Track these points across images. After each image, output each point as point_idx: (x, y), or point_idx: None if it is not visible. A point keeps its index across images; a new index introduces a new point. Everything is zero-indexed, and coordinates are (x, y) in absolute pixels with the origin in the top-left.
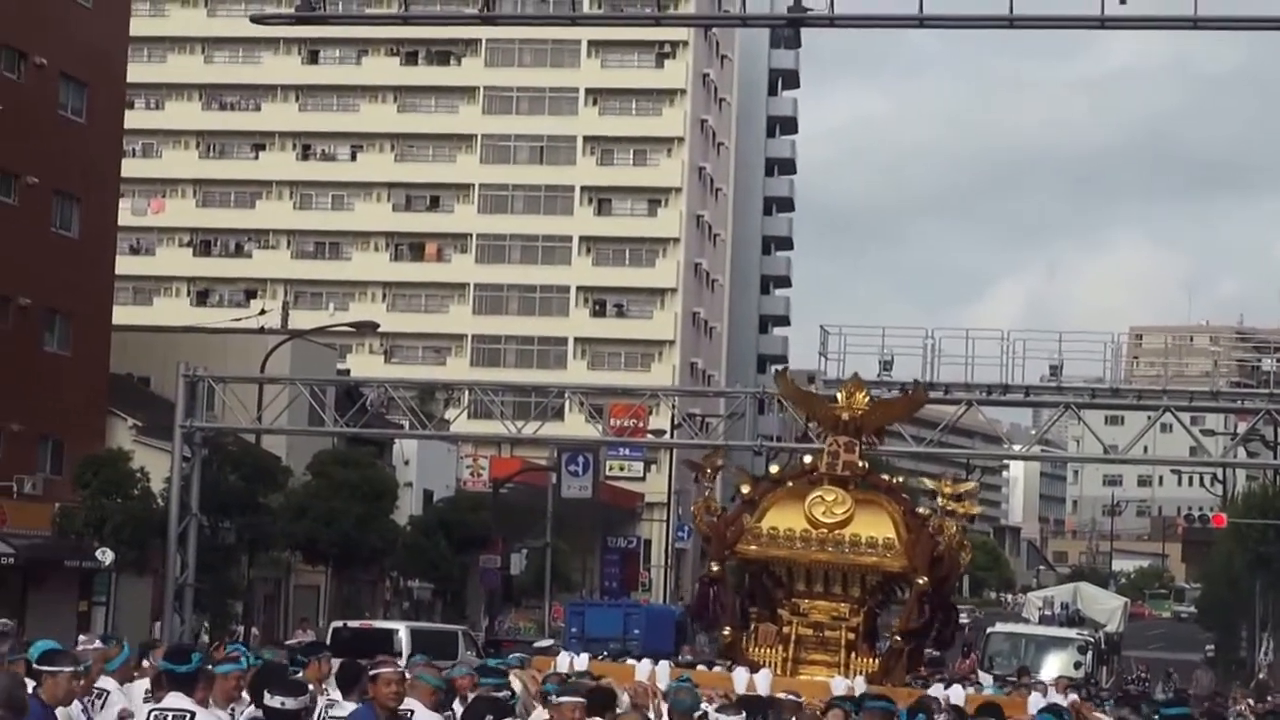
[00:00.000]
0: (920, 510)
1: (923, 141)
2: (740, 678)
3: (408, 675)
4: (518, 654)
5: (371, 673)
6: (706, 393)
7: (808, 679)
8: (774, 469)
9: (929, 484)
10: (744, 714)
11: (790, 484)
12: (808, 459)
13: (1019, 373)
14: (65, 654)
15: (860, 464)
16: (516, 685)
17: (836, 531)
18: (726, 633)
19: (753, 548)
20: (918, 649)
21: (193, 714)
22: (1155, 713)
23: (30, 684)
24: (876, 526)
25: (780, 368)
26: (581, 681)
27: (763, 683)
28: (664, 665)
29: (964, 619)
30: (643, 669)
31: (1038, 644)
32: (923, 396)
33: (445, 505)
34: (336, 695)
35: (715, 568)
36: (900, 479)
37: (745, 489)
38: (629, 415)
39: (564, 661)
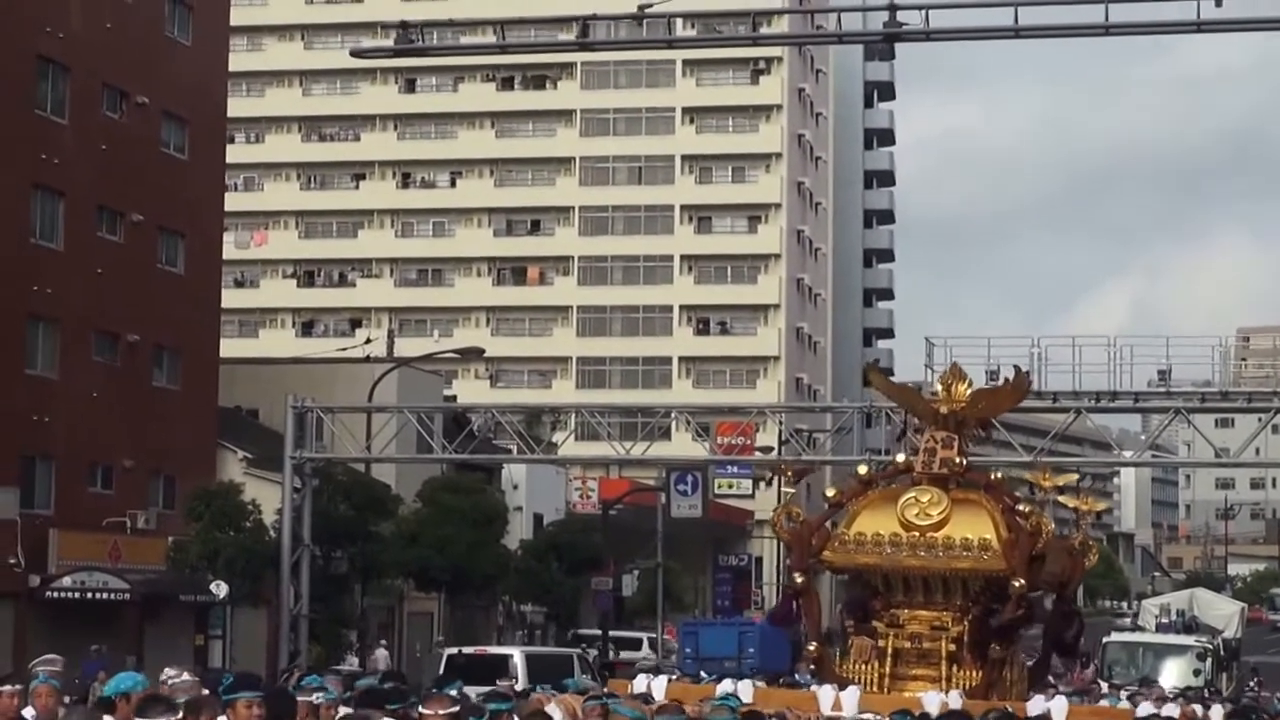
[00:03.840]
0: (1022, 507)
1: (1019, 148)
2: (826, 696)
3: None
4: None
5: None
6: (813, 408)
7: (911, 695)
8: (862, 470)
9: (1028, 477)
10: None
11: (886, 485)
12: (900, 457)
13: (1127, 378)
14: (163, 701)
15: (959, 461)
16: (555, 714)
17: (930, 534)
18: (812, 648)
19: (839, 555)
20: (1043, 660)
21: None
22: None
23: None
24: (974, 527)
25: (872, 362)
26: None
27: (849, 701)
28: (745, 684)
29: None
30: (722, 690)
31: (1156, 652)
32: (1025, 383)
33: (556, 528)
34: None
35: (799, 578)
36: (1000, 474)
37: (830, 493)
38: (736, 433)
39: (641, 684)
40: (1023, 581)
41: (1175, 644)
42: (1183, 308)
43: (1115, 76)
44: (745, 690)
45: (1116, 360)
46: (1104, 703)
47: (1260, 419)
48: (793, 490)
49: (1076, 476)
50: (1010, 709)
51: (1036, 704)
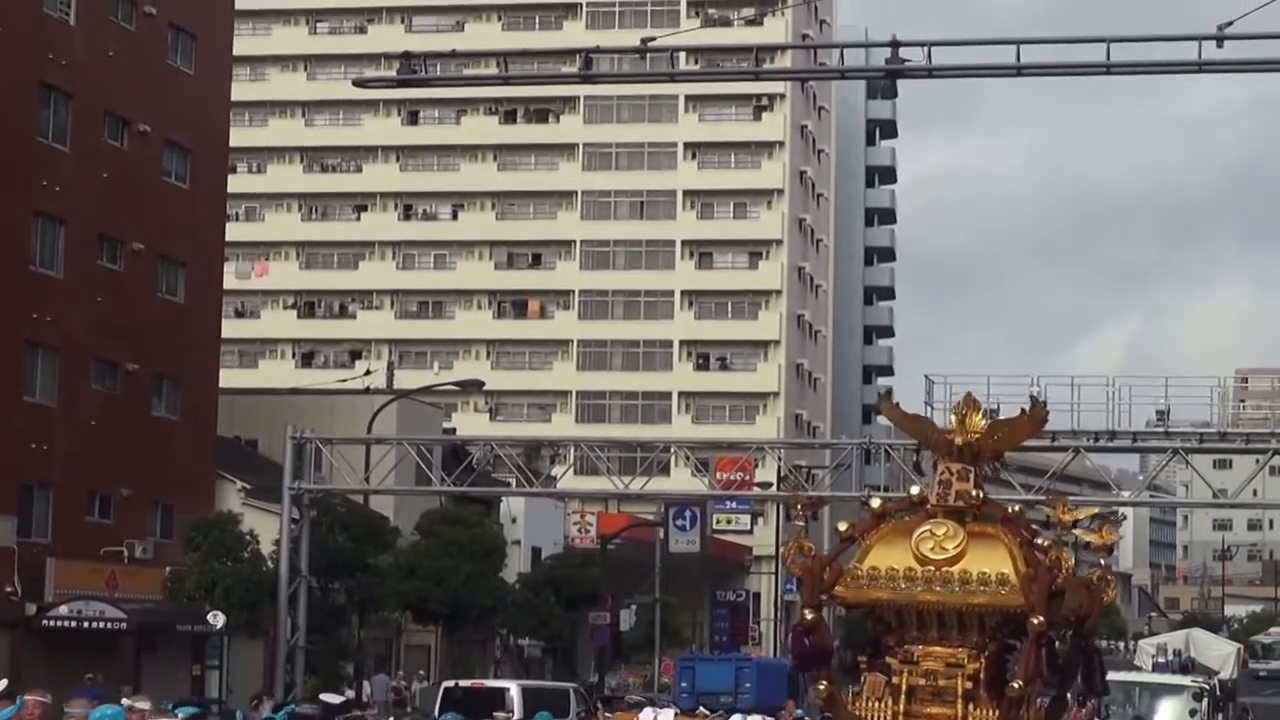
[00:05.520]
0: (1040, 541)
1: (1020, 187)
2: None
3: None
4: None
5: None
6: (812, 444)
7: None
8: (875, 503)
9: (1046, 511)
10: None
11: (901, 518)
12: (914, 489)
13: (1125, 418)
14: None
15: (975, 493)
16: None
17: (945, 569)
18: (822, 686)
19: (851, 591)
20: (1059, 699)
21: None
22: None
23: None
24: (990, 561)
25: (884, 391)
26: None
27: None
28: None
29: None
30: None
31: (1152, 692)
32: (1042, 413)
33: (554, 562)
34: None
35: (810, 614)
36: (1017, 507)
37: (843, 527)
38: (735, 468)
39: (648, 717)
40: (1042, 618)
41: (1171, 684)
42: (1181, 349)
43: (1115, 116)
44: None
45: (1115, 400)
46: None
47: (1258, 460)
48: (803, 524)
49: (1097, 509)
50: None
51: None
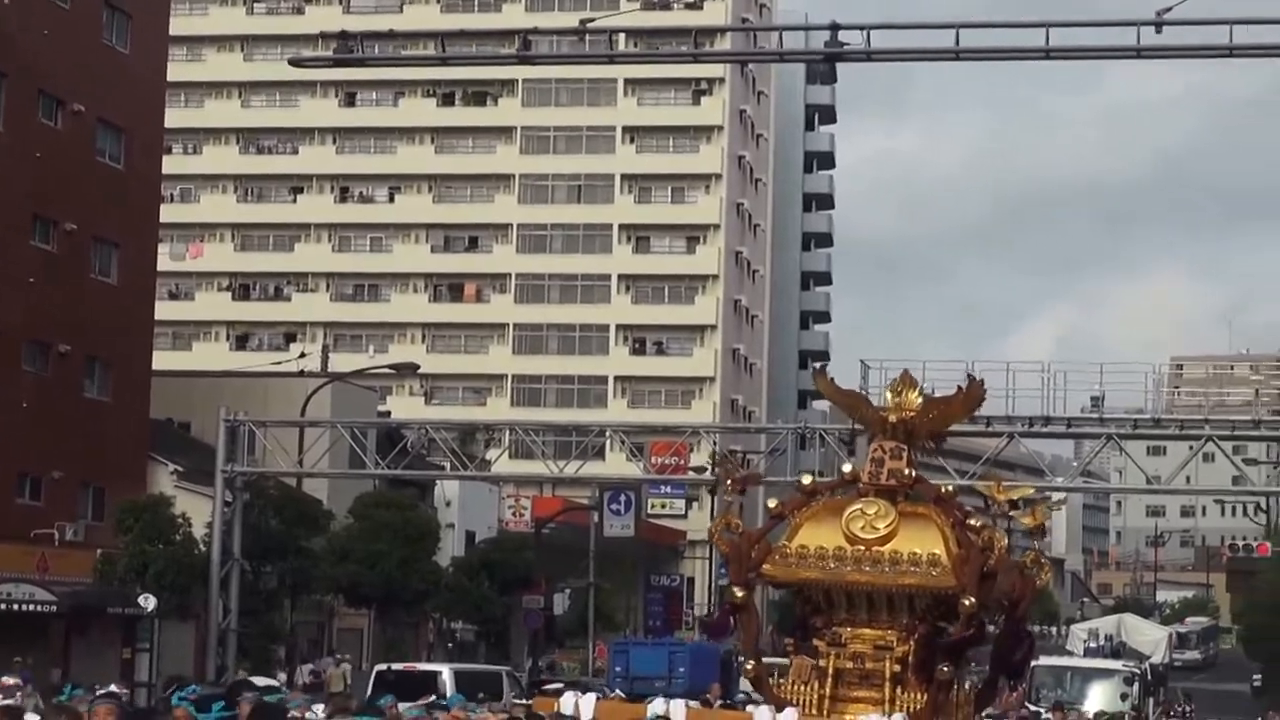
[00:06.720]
0: (973, 522)
1: (957, 174)
2: (762, 717)
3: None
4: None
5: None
6: (748, 429)
7: (852, 718)
8: (805, 480)
9: (980, 489)
10: None
11: (830, 496)
12: (847, 468)
13: (1060, 404)
14: None
15: (908, 472)
16: None
17: (876, 548)
18: (750, 667)
19: (780, 569)
20: (990, 682)
21: None
22: None
23: None
24: (922, 542)
25: (819, 365)
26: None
27: None
28: (678, 704)
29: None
30: (656, 707)
31: (1083, 676)
32: (979, 391)
33: (488, 546)
34: None
35: (739, 593)
36: (950, 487)
37: (772, 503)
38: (670, 453)
39: (569, 702)
40: (973, 600)
41: (1102, 668)
42: (1116, 337)
43: (1054, 103)
44: (678, 710)
45: (1050, 386)
46: None
47: (1191, 447)
48: (731, 499)
49: (1032, 490)
50: None
51: None
